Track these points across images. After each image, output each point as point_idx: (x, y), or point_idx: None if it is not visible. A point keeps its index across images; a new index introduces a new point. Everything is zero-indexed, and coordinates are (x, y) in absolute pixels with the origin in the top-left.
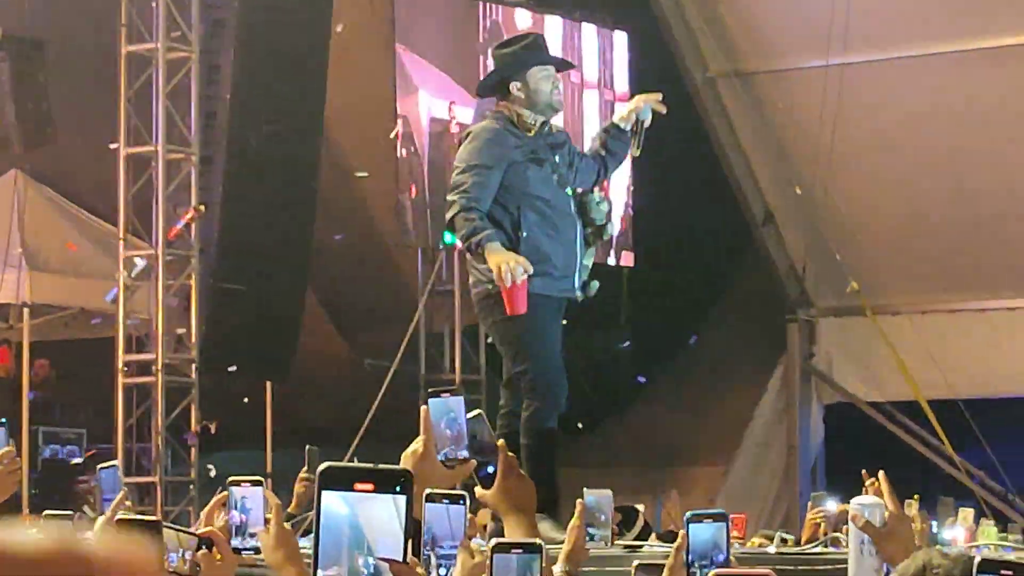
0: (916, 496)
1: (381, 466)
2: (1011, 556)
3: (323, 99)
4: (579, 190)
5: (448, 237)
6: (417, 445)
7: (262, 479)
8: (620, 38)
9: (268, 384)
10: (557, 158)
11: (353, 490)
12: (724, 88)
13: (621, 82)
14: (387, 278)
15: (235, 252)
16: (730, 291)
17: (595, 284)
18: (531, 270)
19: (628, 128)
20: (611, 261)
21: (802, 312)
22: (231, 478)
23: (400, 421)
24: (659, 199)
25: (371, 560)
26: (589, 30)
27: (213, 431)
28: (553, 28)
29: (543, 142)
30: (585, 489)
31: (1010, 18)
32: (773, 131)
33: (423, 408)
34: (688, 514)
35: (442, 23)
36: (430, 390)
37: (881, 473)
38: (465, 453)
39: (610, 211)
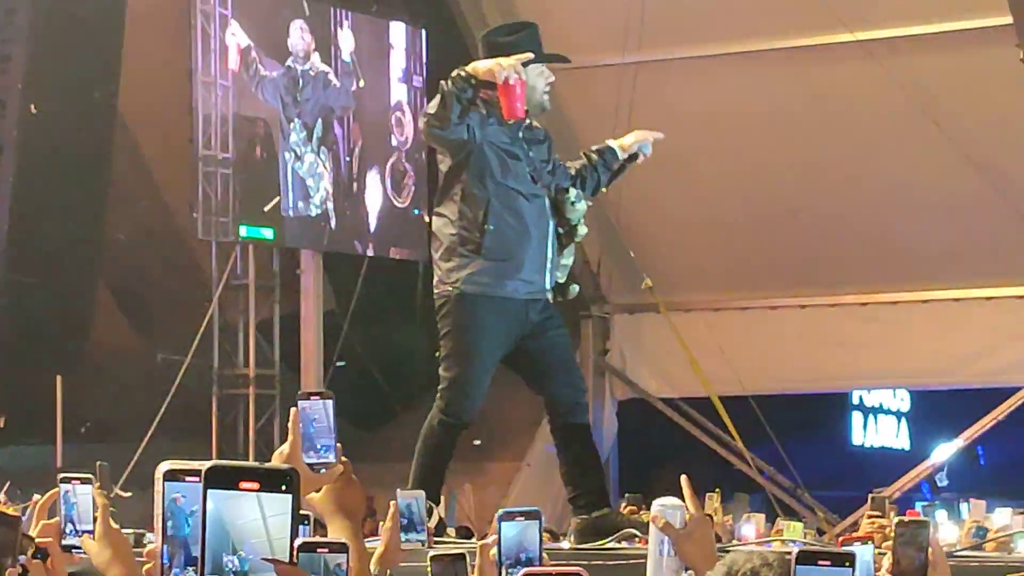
0: (717, 490)
1: (267, 465)
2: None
3: (117, 90)
4: (553, 188)
5: (244, 231)
6: (284, 447)
7: (91, 476)
8: (421, 35)
9: (58, 377)
10: (533, 153)
11: (238, 489)
12: None
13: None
14: (181, 271)
15: (25, 243)
16: None
17: (575, 288)
18: (528, 57)
19: (623, 159)
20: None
21: (596, 309)
22: (61, 475)
23: (193, 415)
24: None
25: (241, 559)
26: (397, 28)
27: (2, 424)
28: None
29: (523, 135)
30: (398, 491)
31: (803, 19)
32: (570, 128)
33: (293, 410)
34: (500, 511)
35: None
36: (299, 392)
37: (684, 477)
38: (332, 457)
39: (585, 211)
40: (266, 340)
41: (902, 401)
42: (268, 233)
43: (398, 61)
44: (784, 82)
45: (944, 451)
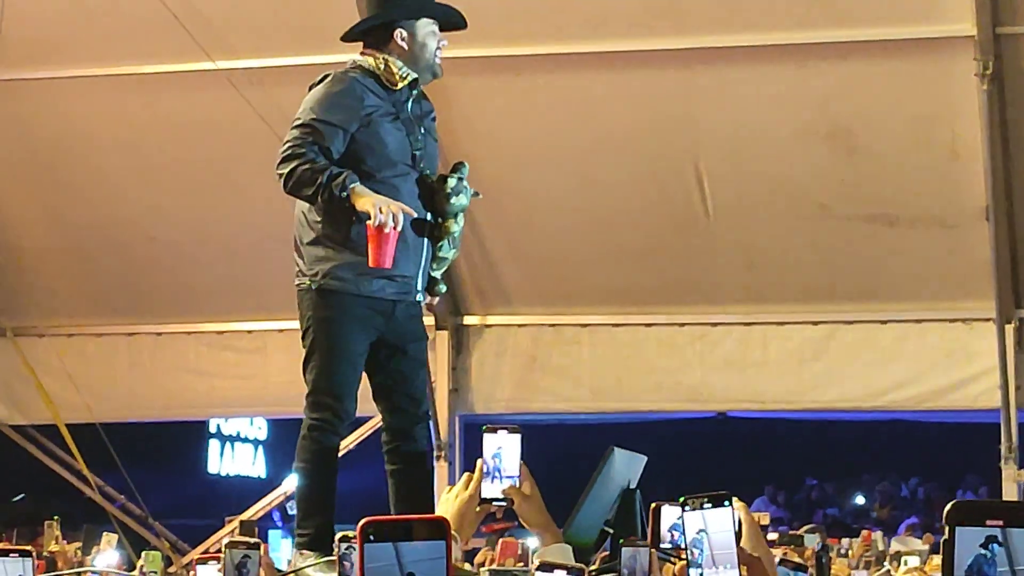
0: (56, 518)
1: None
2: None
3: None
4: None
5: None
6: None
7: None
8: None
9: None
10: (422, 128)
11: None
12: None
13: None
14: None
15: None
16: None
17: (442, 286)
18: (413, 215)
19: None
20: None
21: None
22: None
23: None
24: None
25: None
26: None
27: None
28: None
29: (410, 102)
30: None
31: (163, 46)
32: None
33: None
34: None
35: None
36: None
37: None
38: None
39: (466, 205)
40: None
41: (260, 430)
42: None
43: None
44: (140, 108)
45: (294, 480)
